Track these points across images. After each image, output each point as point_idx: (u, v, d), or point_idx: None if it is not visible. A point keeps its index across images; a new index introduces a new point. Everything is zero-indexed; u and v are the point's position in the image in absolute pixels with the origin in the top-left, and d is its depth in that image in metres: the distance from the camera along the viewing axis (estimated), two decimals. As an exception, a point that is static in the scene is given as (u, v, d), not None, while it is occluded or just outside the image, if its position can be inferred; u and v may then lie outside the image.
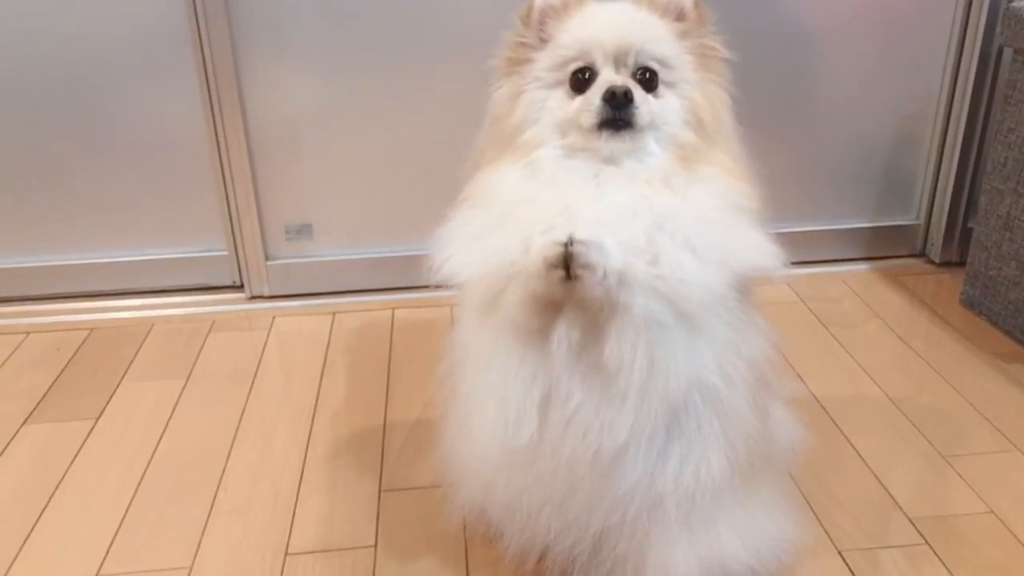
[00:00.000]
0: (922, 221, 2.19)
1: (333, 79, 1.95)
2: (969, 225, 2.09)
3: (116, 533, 1.36)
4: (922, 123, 2.11)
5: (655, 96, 1.02)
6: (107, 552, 1.32)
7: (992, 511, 1.36)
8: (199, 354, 1.87)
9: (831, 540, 1.31)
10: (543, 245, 0.90)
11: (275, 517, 1.39)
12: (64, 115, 1.93)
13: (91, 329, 1.97)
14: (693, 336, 0.96)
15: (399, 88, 1.96)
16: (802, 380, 1.71)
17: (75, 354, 1.87)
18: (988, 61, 1.98)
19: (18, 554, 1.32)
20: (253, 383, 1.76)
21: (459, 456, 1.15)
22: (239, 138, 1.95)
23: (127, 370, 1.81)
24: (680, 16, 1.05)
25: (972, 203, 2.09)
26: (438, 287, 1.00)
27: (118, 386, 1.75)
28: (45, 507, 1.42)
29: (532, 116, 1.04)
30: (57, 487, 1.46)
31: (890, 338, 1.88)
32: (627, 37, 1.02)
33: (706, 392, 1.00)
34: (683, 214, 0.97)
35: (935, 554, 1.28)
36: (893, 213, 2.21)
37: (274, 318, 2.02)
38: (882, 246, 2.21)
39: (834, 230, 2.19)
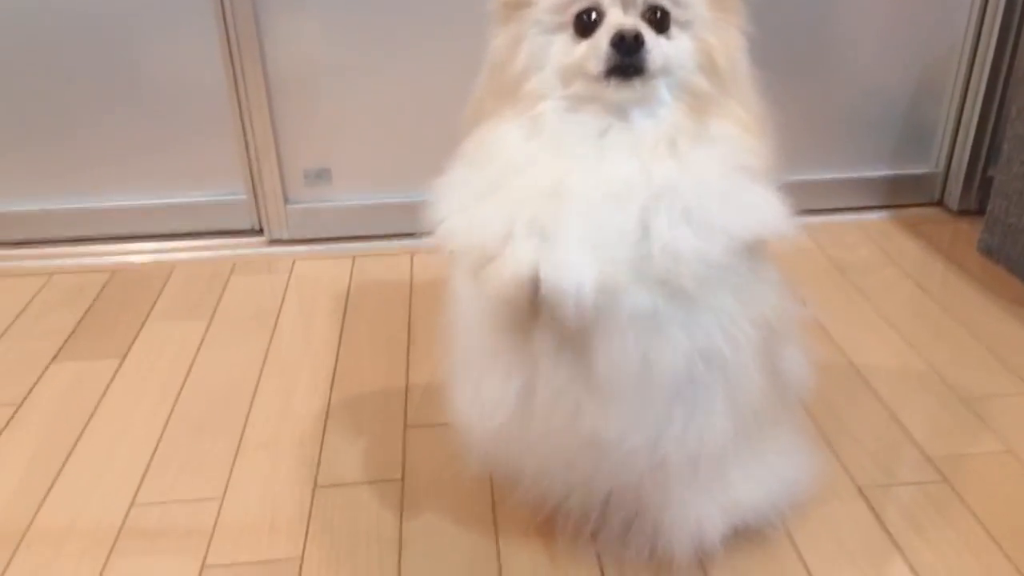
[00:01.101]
0: (941, 169, 2.19)
1: (353, 22, 1.93)
2: (989, 173, 2.08)
3: (148, 466, 1.39)
4: (945, 69, 2.09)
5: (667, 38, 0.94)
6: (140, 483, 1.35)
7: (1010, 450, 1.38)
8: (221, 296, 1.88)
9: (850, 477, 1.33)
10: (511, 268, 0.86)
11: (303, 452, 1.41)
12: (84, 60, 1.93)
13: (113, 272, 1.98)
14: (692, 311, 0.92)
15: (420, 31, 1.94)
16: (820, 324, 1.72)
17: (98, 296, 1.89)
18: (1015, 4, 1.95)
19: (52, 486, 1.35)
20: (276, 325, 1.78)
21: (457, 417, 1.12)
22: (258, 82, 1.94)
23: (150, 311, 1.82)
24: None
25: (993, 151, 2.08)
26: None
27: (142, 326, 1.77)
28: (77, 441, 1.44)
29: (534, 64, 0.96)
30: (88, 423, 1.49)
31: (907, 285, 1.89)
32: None
33: (709, 358, 0.95)
34: (683, 185, 0.90)
35: (953, 491, 1.30)
36: (911, 161, 2.20)
37: (294, 262, 2.03)
38: (900, 194, 2.21)
39: (851, 178, 2.19)
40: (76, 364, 1.65)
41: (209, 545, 1.23)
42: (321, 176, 2.06)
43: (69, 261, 2.02)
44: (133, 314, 1.81)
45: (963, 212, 2.16)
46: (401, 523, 1.26)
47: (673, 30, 0.95)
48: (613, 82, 0.92)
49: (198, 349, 1.69)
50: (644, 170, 0.91)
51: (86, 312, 1.82)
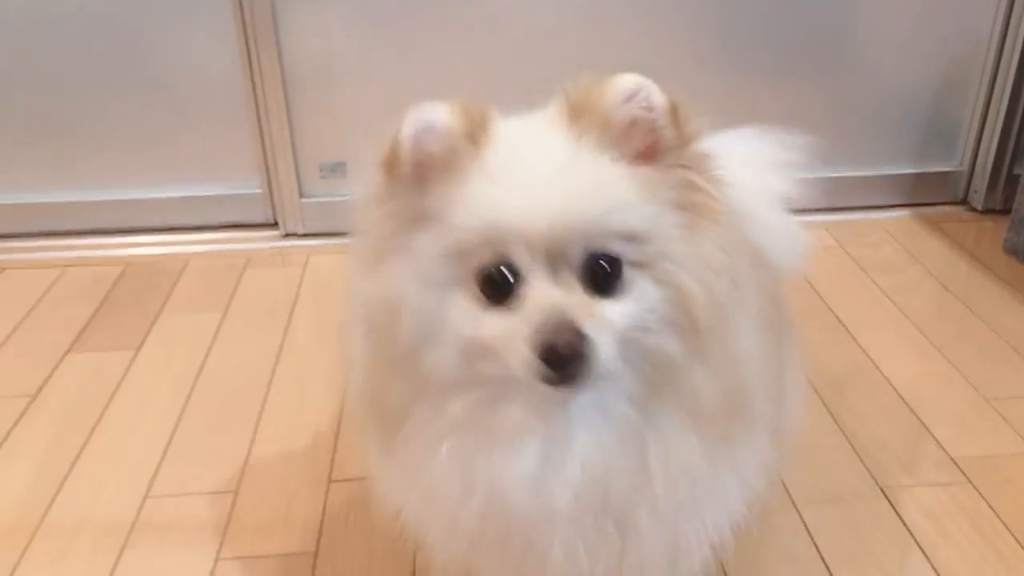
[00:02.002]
0: (966, 167, 2.15)
1: (370, 15, 1.92)
2: (1015, 172, 2.05)
3: (162, 458, 1.38)
4: (971, 66, 2.05)
5: (617, 297, 0.67)
6: (155, 475, 1.34)
7: (1036, 452, 1.35)
8: (235, 289, 1.87)
9: (873, 477, 1.31)
10: None
11: (317, 446, 1.40)
12: (100, 52, 1.92)
13: (127, 264, 1.98)
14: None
15: (437, 25, 1.93)
16: (842, 324, 1.70)
17: (112, 288, 1.88)
18: (1043, 0, 1.92)
19: (66, 478, 1.34)
20: (290, 319, 1.77)
21: None
22: (274, 76, 1.93)
23: (165, 303, 1.82)
24: (649, 142, 0.68)
25: (1019, 149, 2.05)
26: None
27: (157, 318, 1.76)
28: (92, 433, 1.44)
29: (425, 332, 0.68)
30: (103, 413, 1.48)
31: (931, 284, 1.86)
32: (566, 216, 0.64)
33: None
34: (641, 502, 0.72)
35: (977, 492, 1.27)
36: (936, 159, 2.16)
37: (309, 256, 2.02)
38: (923, 193, 2.17)
39: (875, 176, 2.16)
40: (91, 356, 1.64)
41: (223, 538, 1.22)
42: (337, 170, 2.05)
43: (84, 253, 2.02)
44: (147, 306, 1.81)
45: (988, 211, 2.13)
46: (416, 519, 1.24)
47: (628, 275, 0.67)
48: (548, 387, 0.65)
49: (212, 342, 1.68)
50: (600, 497, 0.71)
51: (101, 304, 1.82)
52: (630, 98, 0.66)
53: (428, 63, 1.96)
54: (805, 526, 1.22)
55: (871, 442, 1.38)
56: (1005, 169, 2.09)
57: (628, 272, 0.67)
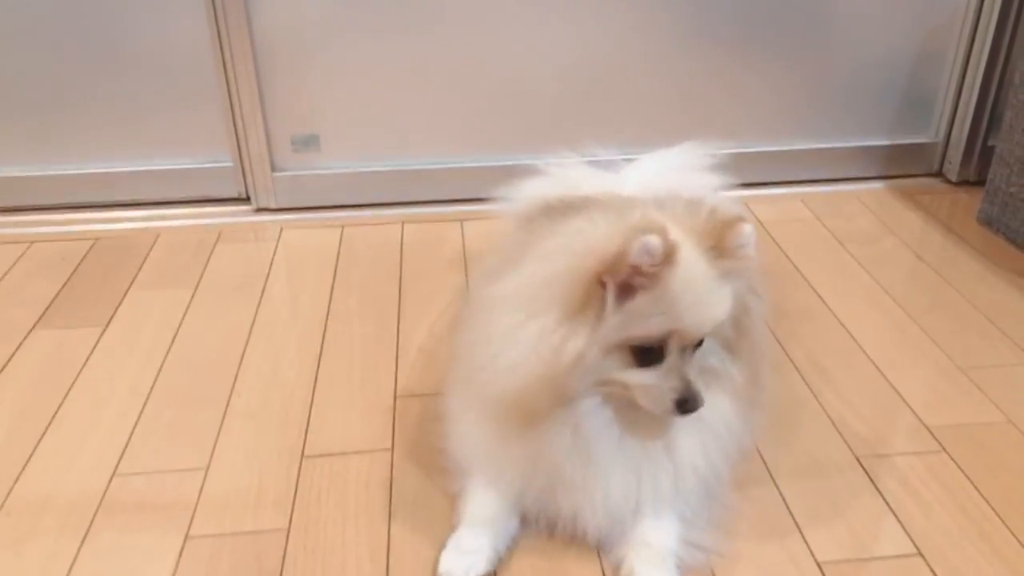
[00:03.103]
0: (940, 139, 2.15)
1: (341, -17, 1.88)
2: (990, 143, 2.05)
3: (131, 435, 1.35)
4: (946, 37, 2.05)
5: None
6: (123, 452, 1.31)
7: (1011, 420, 1.36)
8: (206, 265, 1.84)
9: (848, 447, 1.31)
10: None
11: (290, 421, 1.38)
12: (67, 23, 1.87)
13: (95, 239, 1.93)
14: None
15: (410, -7, 1.89)
16: (818, 295, 1.70)
17: (80, 263, 1.84)
18: (1020, -30, 1.91)
19: (31, 456, 1.31)
20: (263, 294, 1.74)
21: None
22: (244, 45, 1.89)
23: (134, 279, 1.78)
24: (737, 257, 0.97)
25: (994, 121, 2.05)
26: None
27: (125, 295, 1.73)
28: (58, 409, 1.41)
29: (589, 373, 0.96)
30: (69, 390, 1.45)
31: (906, 255, 1.86)
32: (716, 324, 0.98)
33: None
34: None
35: (953, 460, 1.28)
36: (911, 131, 2.16)
37: (281, 230, 1.98)
38: (898, 165, 2.17)
39: (850, 147, 2.15)
40: (57, 332, 1.61)
41: (193, 516, 1.20)
42: (309, 143, 2.02)
43: (50, 229, 1.97)
44: (116, 282, 1.77)
45: (962, 183, 2.13)
46: (391, 494, 1.23)
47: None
48: (667, 414, 1.00)
49: (183, 318, 1.65)
50: (659, 443, 1.06)
51: (67, 280, 1.78)
52: (745, 239, 0.95)
53: (404, 35, 1.92)
54: (782, 497, 1.21)
55: (847, 412, 1.38)
56: (980, 141, 2.09)
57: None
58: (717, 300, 0.96)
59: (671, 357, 0.97)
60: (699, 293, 0.94)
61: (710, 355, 1.03)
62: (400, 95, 1.98)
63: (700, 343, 1.00)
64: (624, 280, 0.91)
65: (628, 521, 1.08)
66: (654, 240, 0.88)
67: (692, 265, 0.94)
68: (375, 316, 1.65)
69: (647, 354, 0.96)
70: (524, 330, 0.96)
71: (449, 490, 1.19)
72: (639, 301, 0.92)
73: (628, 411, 1.02)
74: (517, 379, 0.96)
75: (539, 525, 1.13)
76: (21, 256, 1.87)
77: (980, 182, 2.03)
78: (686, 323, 0.94)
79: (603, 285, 0.93)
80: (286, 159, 2.03)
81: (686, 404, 0.97)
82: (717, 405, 1.05)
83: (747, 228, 0.95)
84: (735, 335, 1.04)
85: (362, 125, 2.01)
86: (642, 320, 0.93)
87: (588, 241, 0.96)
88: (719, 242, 0.95)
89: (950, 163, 2.15)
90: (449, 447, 1.19)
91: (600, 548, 1.12)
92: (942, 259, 1.84)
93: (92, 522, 1.19)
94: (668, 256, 0.89)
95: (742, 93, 2.08)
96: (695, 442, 1.06)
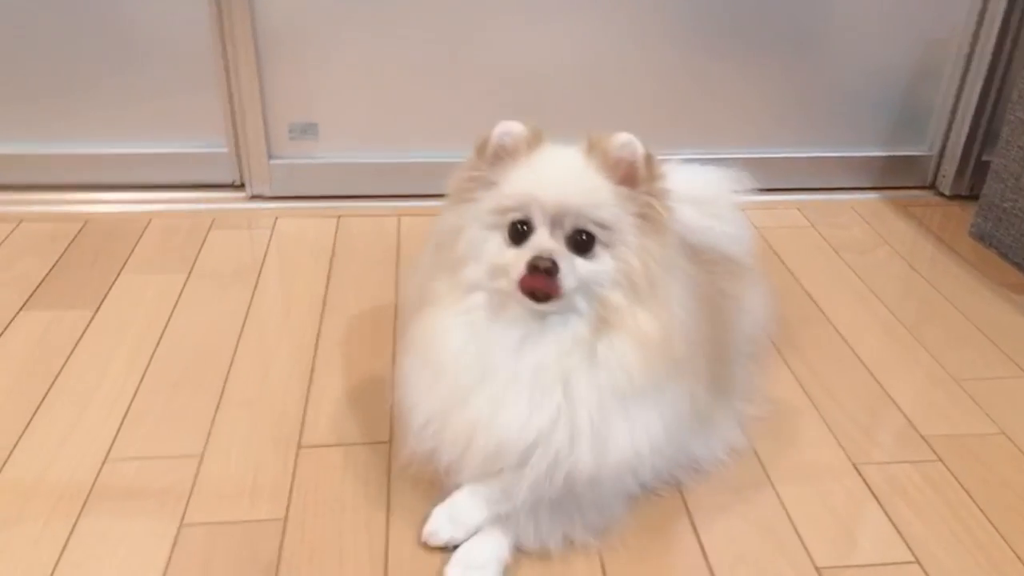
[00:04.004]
0: (935, 152, 2.17)
1: (346, -28, 1.86)
2: (984, 158, 2.07)
3: (123, 420, 1.33)
4: (944, 52, 2.07)
5: (588, 258, 1.02)
6: (115, 437, 1.29)
7: (1004, 432, 1.37)
8: (200, 251, 1.81)
9: (847, 455, 1.31)
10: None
11: (286, 411, 1.36)
12: (65, 2, 1.83)
13: (86, 221, 1.90)
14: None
15: (415, -16, 1.88)
16: (814, 302, 1.70)
17: (70, 244, 1.81)
18: (1020, -14, 1.93)
19: (19, 439, 1.28)
20: (257, 281, 1.71)
21: None
22: (245, 30, 1.86)
23: (126, 262, 1.75)
24: (630, 174, 1.02)
25: (989, 136, 2.07)
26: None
27: (117, 278, 1.70)
28: (47, 392, 1.38)
29: (472, 254, 1.05)
30: (59, 374, 1.42)
31: (900, 265, 1.87)
32: (568, 200, 1.00)
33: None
34: (580, 411, 1.04)
35: (948, 471, 1.29)
36: (906, 143, 2.18)
37: (276, 219, 1.96)
38: (892, 176, 2.19)
39: (845, 157, 2.17)
40: (46, 314, 1.58)
41: (188, 503, 1.18)
42: (307, 131, 2.00)
43: (40, 208, 1.93)
44: (107, 264, 1.74)
45: (955, 196, 2.15)
46: (389, 486, 1.21)
47: (597, 249, 1.02)
48: (528, 300, 1.01)
49: (176, 303, 1.63)
50: (554, 372, 1.04)
51: (57, 260, 1.75)
52: (622, 147, 1.02)
53: (405, 25, 1.91)
54: (780, 501, 1.22)
55: (843, 419, 1.39)
56: (974, 156, 2.11)
57: (597, 247, 1.03)
58: (578, 183, 1.02)
59: (538, 233, 1.01)
60: (559, 170, 1.03)
61: (614, 289, 1.03)
62: (400, 87, 1.97)
63: (587, 244, 1.01)
64: (491, 159, 1.04)
65: (513, 461, 1.05)
66: (515, 124, 1.03)
67: (560, 151, 1.05)
68: (372, 308, 1.63)
69: (520, 236, 1.02)
70: (429, 237, 1.11)
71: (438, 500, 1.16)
72: (506, 174, 1.03)
73: (524, 323, 1.04)
74: (421, 267, 1.11)
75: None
76: (9, 235, 1.83)
77: (973, 196, 2.05)
78: (543, 193, 1.00)
79: (474, 178, 1.05)
80: (283, 147, 2.00)
81: (535, 269, 0.98)
82: (615, 345, 1.03)
83: (623, 136, 1.02)
84: (643, 282, 1.03)
85: (361, 115, 2.00)
86: (504, 188, 1.03)
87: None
88: (596, 146, 1.03)
89: (944, 176, 2.17)
90: (397, 398, 1.17)
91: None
92: (935, 271, 1.85)
93: (83, 507, 1.17)
94: (532, 137, 1.03)
95: (740, 100, 2.09)
96: (589, 376, 1.04)
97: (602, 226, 1.01)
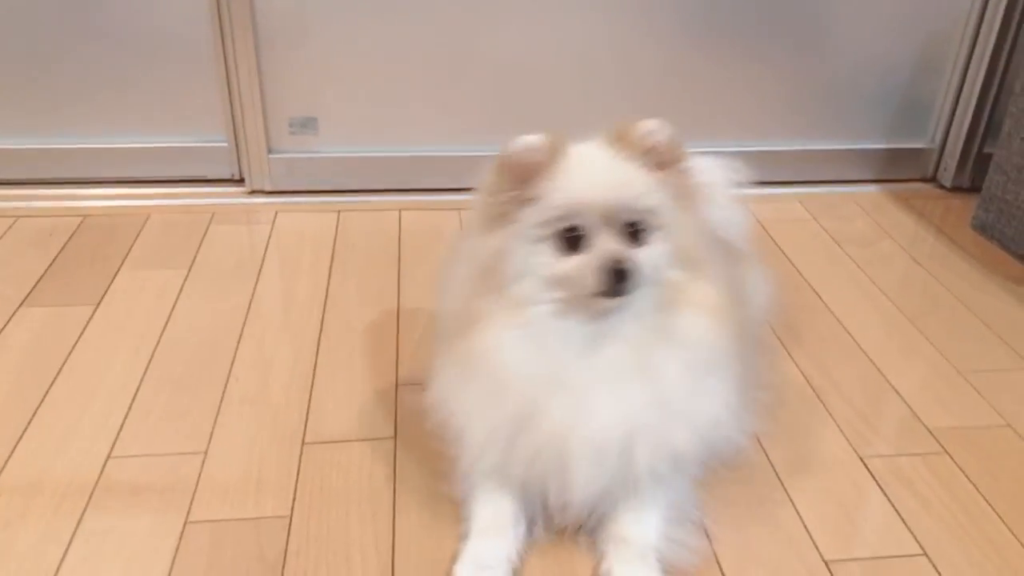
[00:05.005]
0: (936, 145, 2.17)
1: (346, -36, 1.85)
2: (985, 151, 2.07)
3: (125, 417, 1.32)
4: (947, 43, 2.06)
5: (644, 246, 1.02)
6: (118, 434, 1.28)
7: (1009, 424, 1.37)
8: (200, 246, 1.80)
9: (852, 447, 1.31)
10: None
11: (290, 408, 1.35)
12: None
13: (84, 216, 1.89)
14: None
15: (415, -23, 1.87)
16: (817, 294, 1.70)
17: (69, 240, 1.80)
18: (1023, -22, 1.93)
19: (22, 436, 1.28)
20: (259, 277, 1.71)
21: None
22: (245, 23, 1.85)
23: (125, 258, 1.74)
24: (662, 158, 1.03)
25: (990, 128, 2.06)
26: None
27: (117, 273, 1.69)
28: (49, 388, 1.37)
29: (521, 271, 1.02)
30: (60, 371, 1.41)
31: (903, 258, 1.87)
32: (616, 197, 1.00)
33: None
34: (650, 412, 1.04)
35: (954, 462, 1.29)
36: (907, 136, 2.18)
37: (276, 213, 1.95)
38: (893, 169, 2.19)
39: (846, 150, 2.16)
40: (46, 310, 1.57)
41: (192, 500, 1.17)
42: (307, 125, 1.98)
43: (37, 203, 1.92)
44: (107, 260, 1.73)
45: (956, 189, 2.15)
46: (395, 483, 1.21)
47: (650, 236, 1.03)
48: (605, 299, 1.00)
49: (176, 299, 1.62)
50: (633, 361, 1.04)
51: (56, 256, 1.73)
52: (652, 133, 1.02)
53: (404, 20, 1.89)
54: (788, 495, 1.21)
55: (849, 412, 1.38)
56: (975, 148, 2.11)
57: (650, 234, 1.03)
58: (620, 177, 1.01)
59: (598, 239, 1.00)
60: (599, 170, 1.02)
61: (672, 269, 1.04)
62: (401, 81, 1.95)
63: (636, 234, 1.01)
64: (519, 177, 1.00)
65: (616, 460, 1.04)
66: (532, 137, 0.99)
67: (587, 150, 1.03)
68: (374, 303, 1.63)
69: (572, 241, 1.00)
70: (460, 255, 1.09)
71: (453, 495, 1.16)
72: (541, 188, 1.00)
73: (588, 324, 1.02)
74: (456, 289, 1.07)
75: (541, 516, 1.12)
76: (7, 231, 1.82)
77: (974, 189, 2.05)
78: (585, 195, 0.99)
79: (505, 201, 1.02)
80: (283, 141, 1.99)
81: (613, 273, 0.97)
82: (688, 319, 1.05)
83: (651, 122, 1.03)
84: (695, 256, 1.06)
85: (362, 109, 1.99)
86: (547, 201, 1.00)
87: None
88: (623, 136, 1.03)
89: (945, 169, 2.16)
90: (439, 416, 1.13)
91: (586, 529, 1.11)
92: (937, 263, 1.85)
93: (87, 504, 1.16)
94: (554, 145, 1.00)
95: (742, 93, 2.08)
96: (669, 355, 1.04)
97: (649, 213, 1.02)
